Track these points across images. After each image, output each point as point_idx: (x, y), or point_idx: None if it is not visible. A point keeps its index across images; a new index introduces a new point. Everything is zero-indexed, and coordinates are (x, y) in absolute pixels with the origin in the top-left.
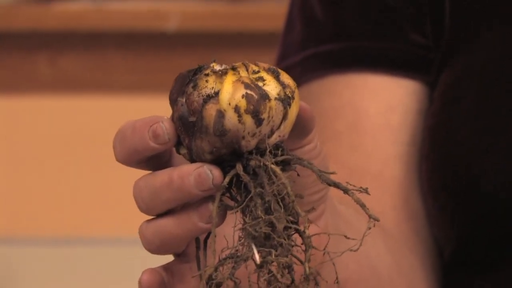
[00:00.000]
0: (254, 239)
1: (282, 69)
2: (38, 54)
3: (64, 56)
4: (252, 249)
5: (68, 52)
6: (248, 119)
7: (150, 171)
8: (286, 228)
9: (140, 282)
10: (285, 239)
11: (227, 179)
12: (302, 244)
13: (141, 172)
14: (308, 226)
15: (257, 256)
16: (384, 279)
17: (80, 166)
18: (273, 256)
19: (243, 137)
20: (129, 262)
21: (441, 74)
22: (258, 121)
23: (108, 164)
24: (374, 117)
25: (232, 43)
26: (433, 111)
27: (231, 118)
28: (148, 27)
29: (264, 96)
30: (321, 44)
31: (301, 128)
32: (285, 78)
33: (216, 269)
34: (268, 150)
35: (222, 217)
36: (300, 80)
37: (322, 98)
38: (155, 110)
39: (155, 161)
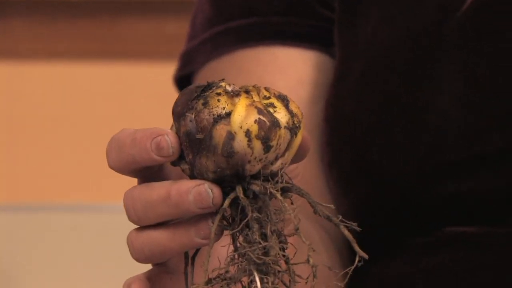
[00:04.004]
0: (256, 265)
1: (192, 48)
2: None
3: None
4: (253, 274)
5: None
6: (258, 145)
7: (140, 181)
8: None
9: None
10: (278, 266)
11: (227, 202)
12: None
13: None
14: (294, 255)
15: (258, 283)
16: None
17: (30, 134)
18: (270, 284)
19: (249, 161)
20: (123, 229)
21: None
22: (267, 148)
23: (57, 129)
24: (284, 92)
25: (137, 11)
26: (330, 85)
27: (240, 141)
28: None
29: (276, 124)
30: (230, 20)
31: (299, 155)
32: (294, 107)
33: None
34: (278, 177)
35: (219, 236)
36: (210, 56)
37: (232, 74)
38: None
39: (147, 170)
